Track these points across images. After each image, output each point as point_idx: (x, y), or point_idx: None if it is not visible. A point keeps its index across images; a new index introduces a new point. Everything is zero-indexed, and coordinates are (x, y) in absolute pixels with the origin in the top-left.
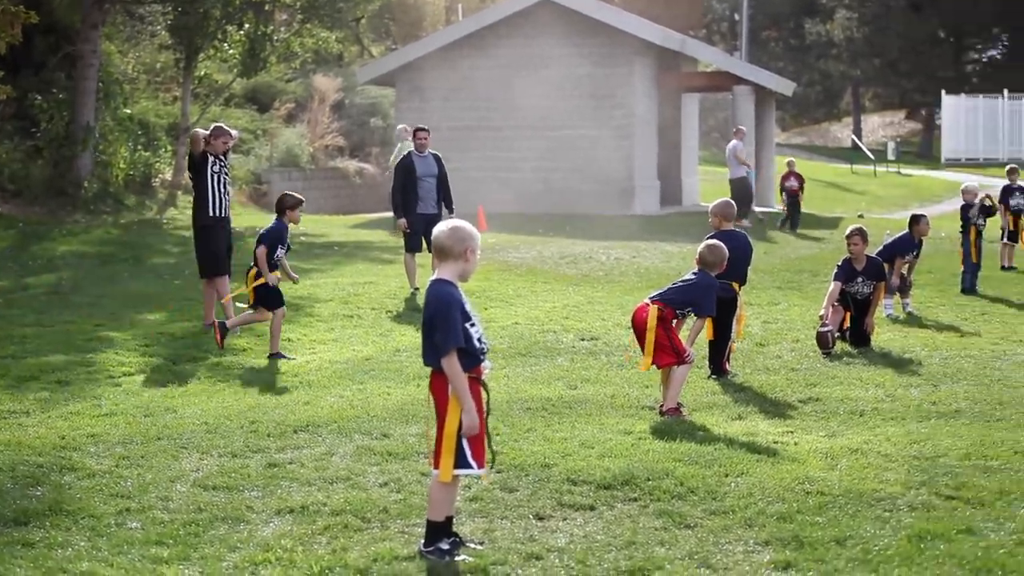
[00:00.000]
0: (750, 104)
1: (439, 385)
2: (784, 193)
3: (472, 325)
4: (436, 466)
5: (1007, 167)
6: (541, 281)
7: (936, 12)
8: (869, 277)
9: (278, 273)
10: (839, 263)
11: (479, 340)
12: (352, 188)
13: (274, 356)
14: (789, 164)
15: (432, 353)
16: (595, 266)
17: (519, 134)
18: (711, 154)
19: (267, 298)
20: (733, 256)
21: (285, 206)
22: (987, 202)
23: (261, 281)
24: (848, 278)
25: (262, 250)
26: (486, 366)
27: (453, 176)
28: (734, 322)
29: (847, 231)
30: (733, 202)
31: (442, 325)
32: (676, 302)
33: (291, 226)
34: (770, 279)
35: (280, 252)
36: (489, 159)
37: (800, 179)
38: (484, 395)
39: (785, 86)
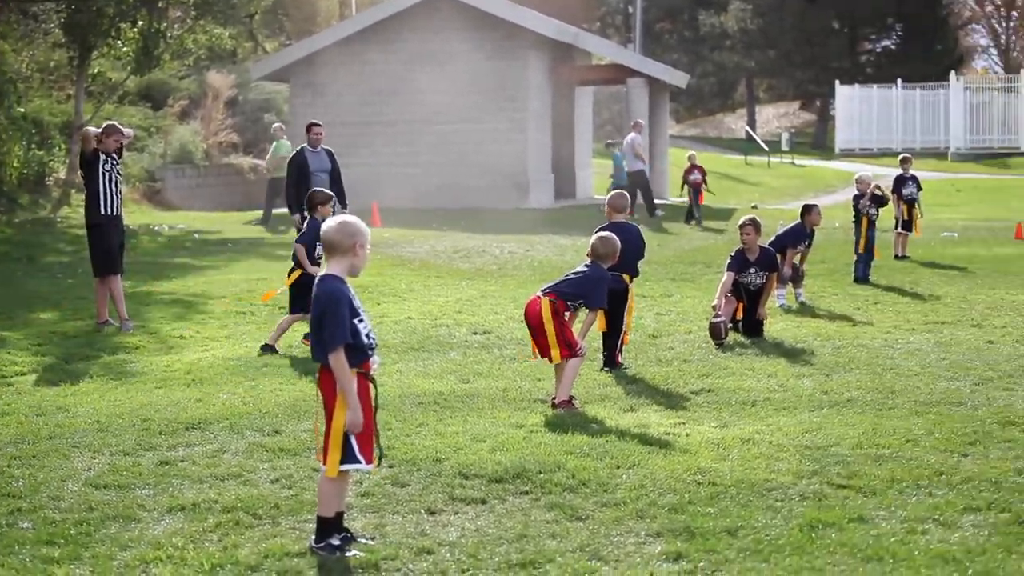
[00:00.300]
0: (644, 96)
1: (327, 381)
2: (687, 186)
3: (360, 321)
4: (324, 462)
5: (900, 156)
6: (434, 275)
7: (830, 3)
8: (762, 268)
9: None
10: (732, 253)
11: (367, 336)
12: (246, 184)
13: (267, 348)
14: (690, 158)
15: (320, 349)
16: (488, 260)
17: (414, 129)
18: (605, 147)
19: (300, 298)
20: (624, 248)
21: (316, 202)
22: (878, 192)
23: (296, 276)
24: (741, 268)
25: (300, 247)
26: (374, 361)
27: (348, 172)
28: (625, 314)
29: (740, 221)
30: (627, 194)
31: (330, 321)
32: (568, 295)
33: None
34: (663, 271)
35: (320, 248)
36: (384, 154)
37: (703, 171)
38: (372, 390)
39: (679, 78)
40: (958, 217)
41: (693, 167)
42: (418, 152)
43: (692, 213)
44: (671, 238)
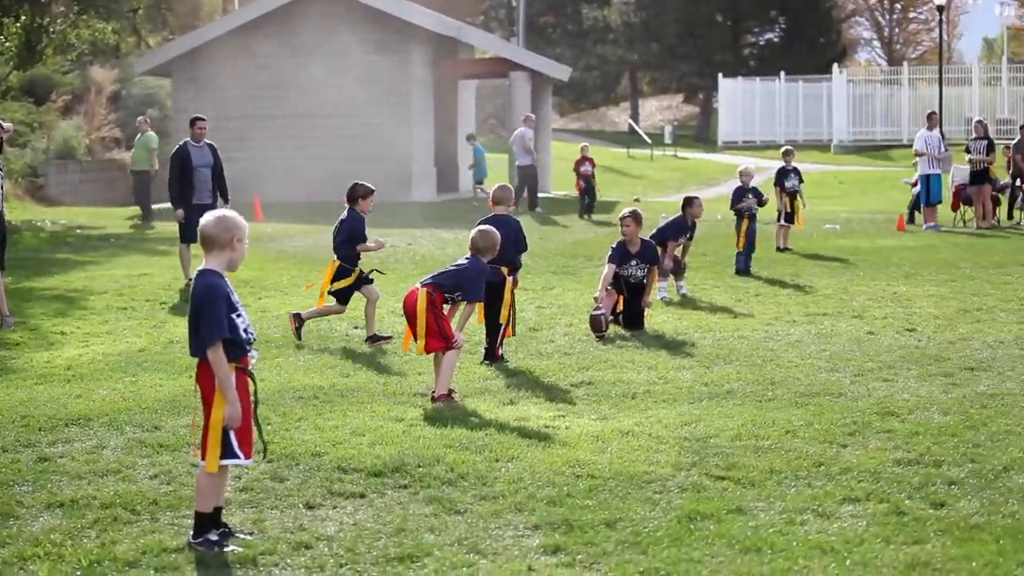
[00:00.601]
0: (526, 90)
1: (205, 376)
2: (579, 178)
3: (239, 315)
4: (203, 457)
5: (783, 149)
6: (316, 270)
7: None
8: (643, 260)
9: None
10: (613, 245)
11: (245, 330)
12: (129, 180)
13: (373, 339)
14: (583, 149)
15: (198, 344)
16: (370, 254)
17: (298, 123)
18: (489, 141)
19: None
20: (503, 241)
21: (357, 195)
22: (747, 204)
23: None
24: (622, 261)
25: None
26: (252, 356)
27: (231, 166)
28: (502, 307)
29: (621, 214)
30: (509, 187)
31: (207, 316)
32: (446, 287)
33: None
34: (545, 264)
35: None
36: (268, 148)
37: (593, 163)
38: (251, 385)
39: (561, 71)
40: (840, 209)
41: (584, 159)
42: (302, 146)
43: (587, 204)
44: (554, 231)
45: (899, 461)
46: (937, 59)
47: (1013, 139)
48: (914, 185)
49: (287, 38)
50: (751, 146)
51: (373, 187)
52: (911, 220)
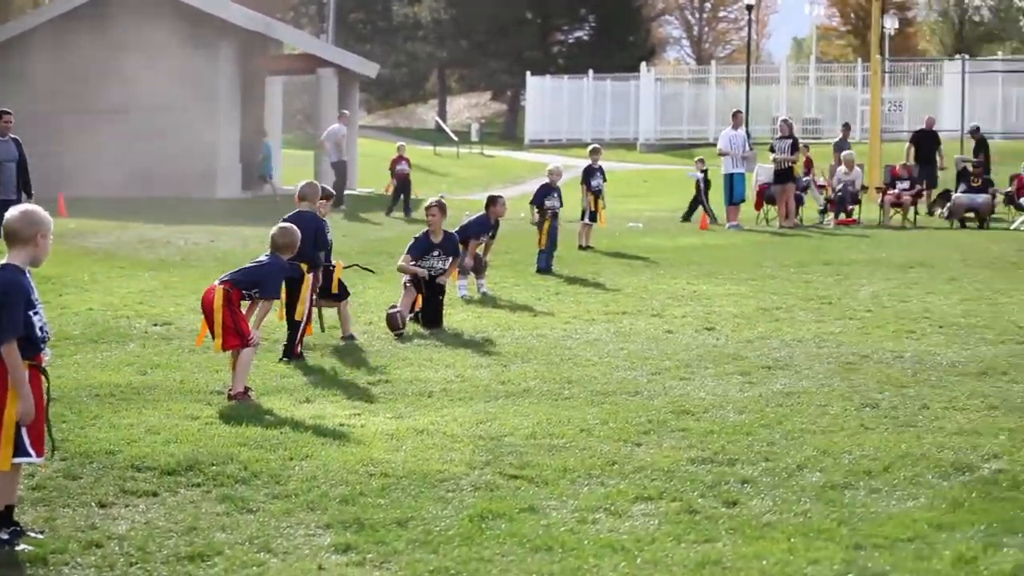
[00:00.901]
0: (334, 86)
1: None
2: (394, 178)
3: (36, 313)
4: None
5: (590, 147)
6: (118, 267)
7: None
8: (445, 252)
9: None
10: (417, 236)
11: (41, 328)
12: None
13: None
14: (399, 148)
15: None
16: (173, 251)
17: (106, 118)
18: (295, 137)
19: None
20: (303, 237)
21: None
22: (551, 204)
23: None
24: (424, 252)
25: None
26: (46, 354)
27: (39, 161)
28: (297, 303)
29: (426, 203)
30: (316, 184)
31: (5, 313)
32: (243, 283)
33: None
34: (345, 262)
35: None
36: (76, 143)
37: (409, 163)
38: (44, 383)
39: (369, 68)
40: (644, 208)
41: (400, 158)
42: (109, 141)
43: (405, 204)
44: (360, 228)
45: (693, 459)
46: (746, 58)
47: (819, 138)
48: (704, 183)
49: (98, 32)
50: (557, 144)
51: (331, 190)
52: (687, 219)
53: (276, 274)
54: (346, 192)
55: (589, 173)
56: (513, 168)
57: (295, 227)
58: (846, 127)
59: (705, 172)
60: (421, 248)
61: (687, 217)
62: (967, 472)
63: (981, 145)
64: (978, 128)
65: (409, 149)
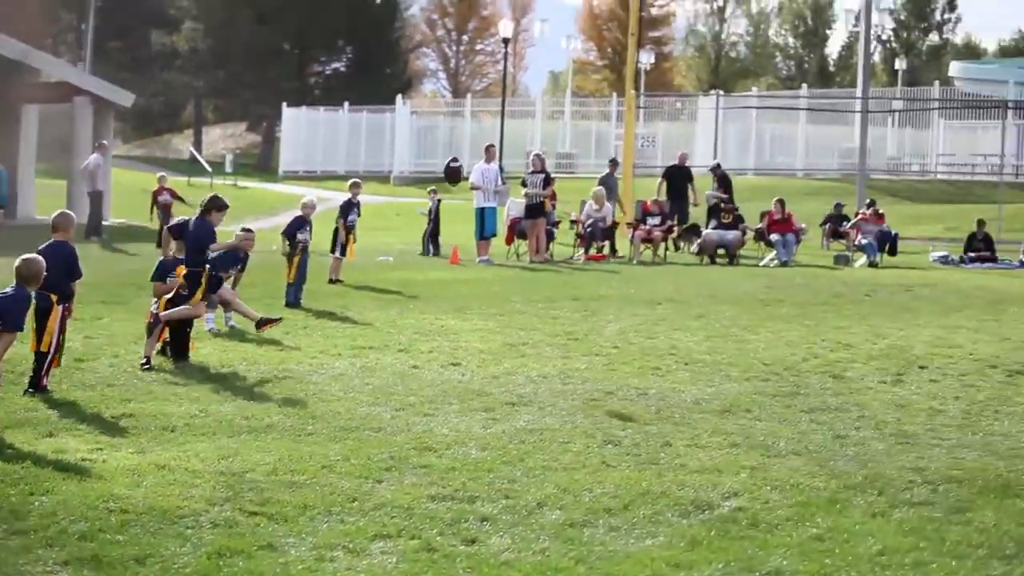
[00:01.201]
0: (88, 115)
1: None
2: (157, 208)
3: None
4: None
5: (350, 181)
6: None
7: (281, 25)
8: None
9: None
10: (160, 259)
11: None
12: None
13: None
14: (160, 179)
15: None
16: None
17: None
18: (50, 167)
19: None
20: (52, 267)
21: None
22: (302, 237)
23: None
24: (162, 277)
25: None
26: None
27: None
28: (45, 335)
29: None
30: (69, 213)
31: None
32: None
33: None
34: (95, 293)
35: None
36: None
37: (173, 193)
38: None
39: (124, 97)
40: (395, 241)
41: (163, 188)
42: None
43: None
44: (112, 259)
45: (433, 496)
46: (501, 92)
47: (574, 173)
48: (430, 215)
49: None
50: (312, 176)
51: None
52: (427, 252)
53: (19, 305)
54: (103, 223)
55: (348, 207)
56: (266, 199)
57: (40, 258)
58: (613, 163)
59: (439, 202)
60: (166, 272)
61: (425, 251)
62: (707, 510)
63: (723, 181)
64: (719, 165)
65: None
